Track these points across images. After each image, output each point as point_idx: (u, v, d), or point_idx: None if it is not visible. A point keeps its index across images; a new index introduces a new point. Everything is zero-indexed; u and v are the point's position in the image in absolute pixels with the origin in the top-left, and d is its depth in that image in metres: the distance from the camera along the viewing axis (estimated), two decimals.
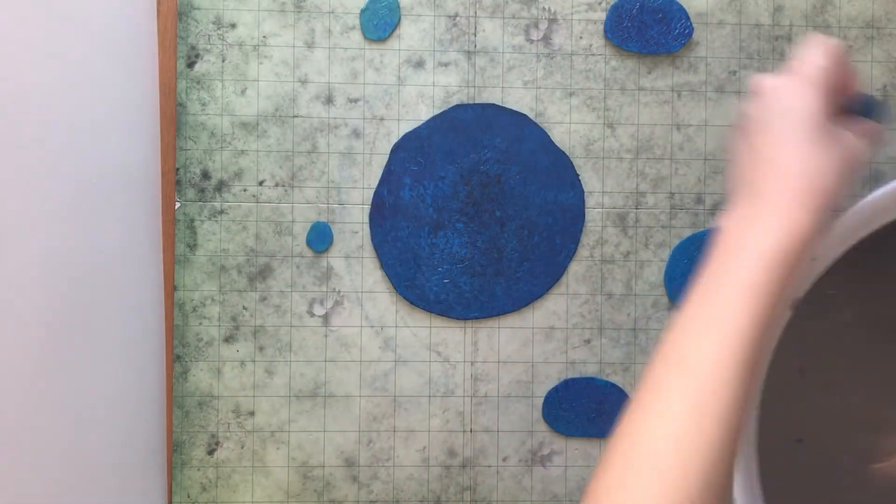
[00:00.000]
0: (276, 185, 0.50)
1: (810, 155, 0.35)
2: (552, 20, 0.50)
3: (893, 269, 0.46)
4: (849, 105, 0.39)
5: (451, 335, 0.50)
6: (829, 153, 0.35)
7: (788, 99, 0.36)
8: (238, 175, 0.50)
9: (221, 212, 0.50)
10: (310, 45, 0.50)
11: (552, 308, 0.50)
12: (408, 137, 0.50)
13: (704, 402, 0.31)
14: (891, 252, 0.46)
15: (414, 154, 0.50)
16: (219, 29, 0.50)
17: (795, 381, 0.46)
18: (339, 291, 0.50)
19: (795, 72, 0.37)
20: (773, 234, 0.34)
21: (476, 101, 0.50)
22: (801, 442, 0.46)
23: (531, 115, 0.50)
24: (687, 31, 0.50)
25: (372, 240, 0.50)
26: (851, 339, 0.47)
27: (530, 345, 0.50)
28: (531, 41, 0.50)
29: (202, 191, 0.50)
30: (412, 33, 0.50)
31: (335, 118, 0.50)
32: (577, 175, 0.50)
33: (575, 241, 0.50)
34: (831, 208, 0.35)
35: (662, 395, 0.32)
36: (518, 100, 0.50)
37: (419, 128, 0.50)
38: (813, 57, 0.37)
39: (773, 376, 0.45)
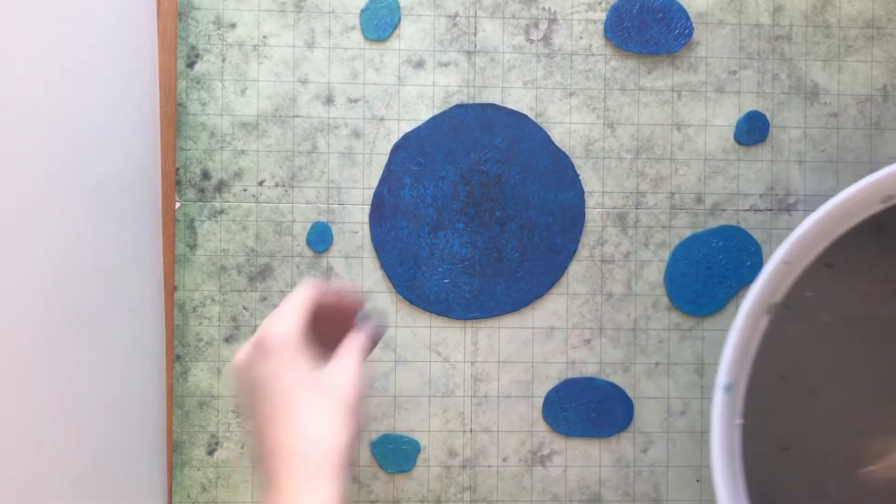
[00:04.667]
0: (276, 185, 0.50)
1: (309, 425, 0.34)
2: (552, 20, 0.50)
3: (869, 268, 0.45)
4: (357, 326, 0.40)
5: (451, 335, 0.50)
6: (325, 411, 0.35)
7: (266, 376, 0.35)
8: (238, 175, 0.50)
9: (221, 212, 0.50)
10: (310, 45, 0.50)
11: (552, 308, 0.50)
12: (408, 137, 0.50)
13: None
14: (866, 249, 0.44)
15: (414, 154, 0.50)
16: (219, 29, 0.50)
17: (778, 388, 0.45)
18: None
19: (266, 343, 0.35)
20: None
21: (476, 101, 0.50)
22: (787, 450, 0.45)
23: (531, 115, 0.50)
24: (687, 31, 0.50)
25: (372, 240, 0.50)
26: (832, 341, 0.45)
27: (530, 345, 0.50)
28: (531, 41, 0.50)
29: (202, 191, 0.50)
30: (412, 33, 0.50)
31: (335, 118, 0.50)
32: (577, 175, 0.50)
33: (575, 241, 0.50)
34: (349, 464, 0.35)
35: None
36: (518, 100, 0.50)
37: (419, 128, 0.50)
38: (283, 326, 0.35)
39: (755, 384, 0.44)
